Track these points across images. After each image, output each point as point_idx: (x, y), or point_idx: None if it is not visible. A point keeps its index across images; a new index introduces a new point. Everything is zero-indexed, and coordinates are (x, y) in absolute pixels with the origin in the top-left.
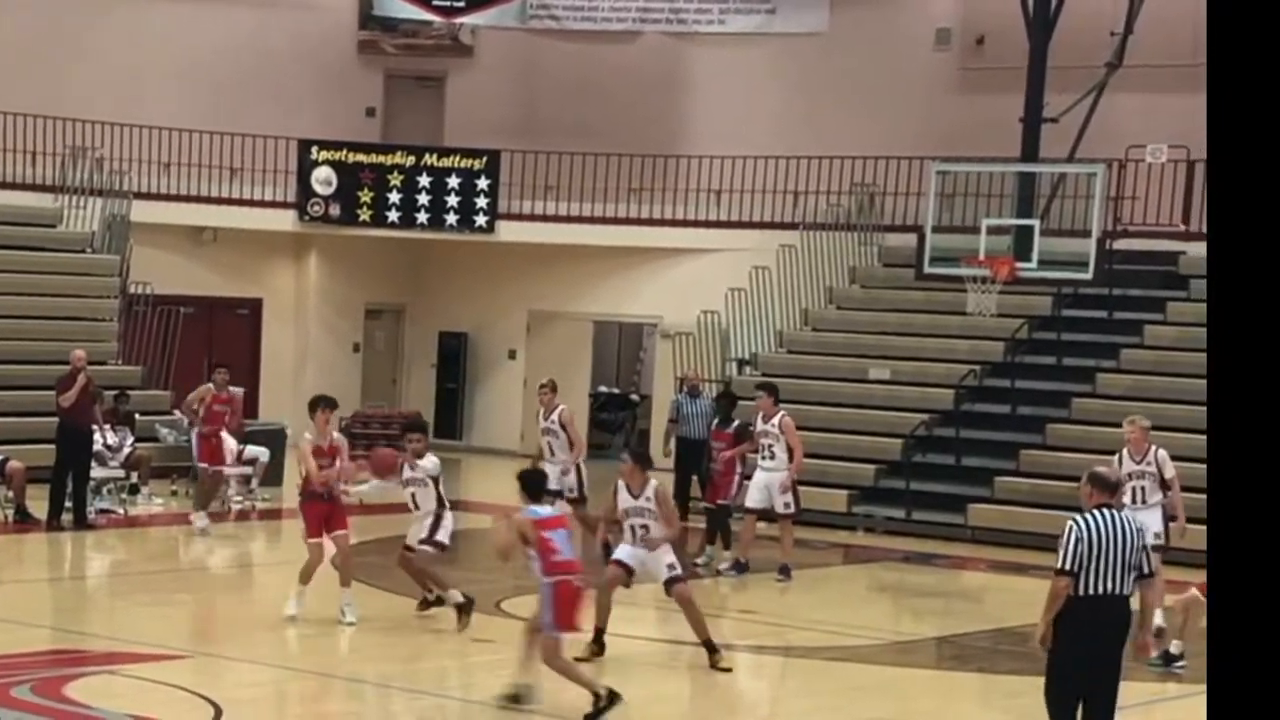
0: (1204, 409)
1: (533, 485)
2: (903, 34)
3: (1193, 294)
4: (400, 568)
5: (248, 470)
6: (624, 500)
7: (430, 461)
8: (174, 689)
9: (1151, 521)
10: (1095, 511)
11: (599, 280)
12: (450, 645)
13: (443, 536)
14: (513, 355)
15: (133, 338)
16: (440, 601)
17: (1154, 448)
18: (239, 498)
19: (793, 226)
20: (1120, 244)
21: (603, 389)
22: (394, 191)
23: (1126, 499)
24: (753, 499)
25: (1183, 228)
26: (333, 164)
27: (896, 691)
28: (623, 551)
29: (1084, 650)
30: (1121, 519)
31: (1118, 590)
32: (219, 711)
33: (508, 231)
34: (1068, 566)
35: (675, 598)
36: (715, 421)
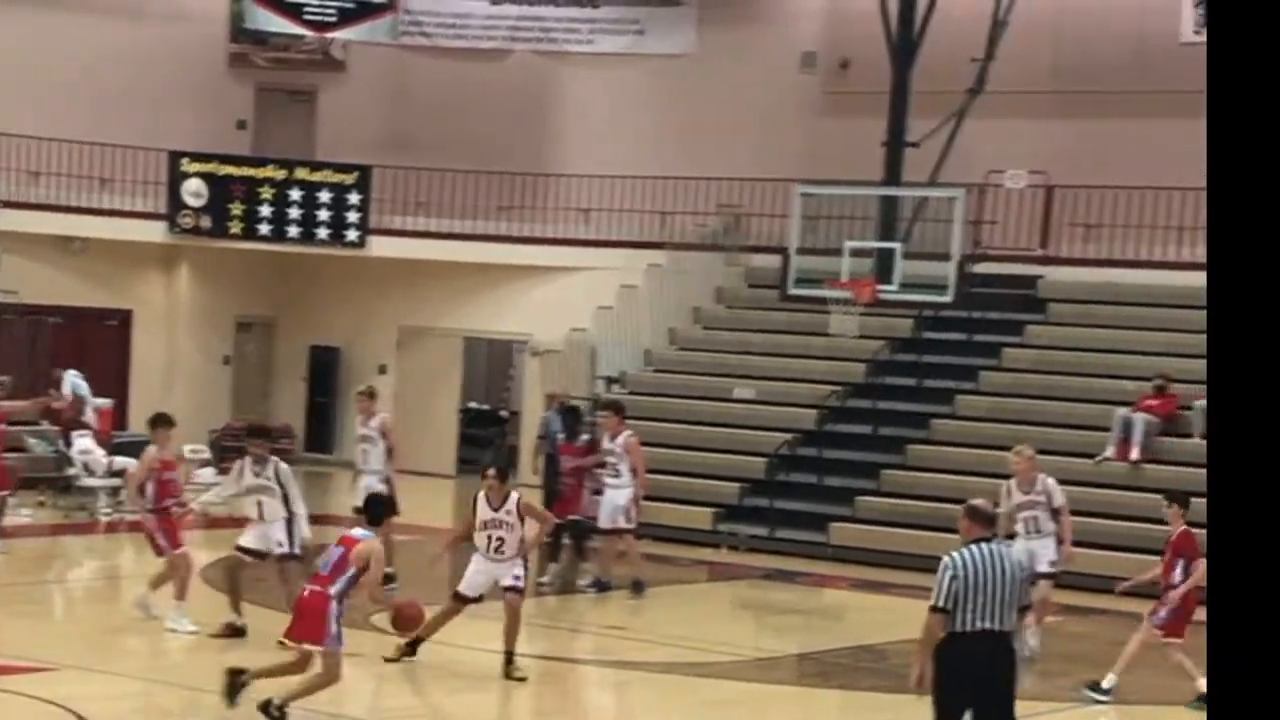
0: (1061, 430)
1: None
2: (769, 57)
3: (1050, 317)
4: (225, 570)
5: (117, 482)
6: (483, 512)
7: (283, 468)
8: (40, 701)
9: (1045, 551)
10: (973, 546)
11: (469, 297)
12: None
13: (298, 545)
14: (383, 370)
15: (0, 346)
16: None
17: (1041, 476)
18: (108, 509)
19: (660, 246)
20: (980, 267)
21: (472, 405)
22: (265, 205)
23: (1019, 529)
24: (604, 519)
25: (1041, 252)
26: (203, 176)
27: (756, 707)
28: (467, 582)
29: (967, 689)
30: (1000, 553)
31: (997, 626)
32: None
33: (379, 247)
34: (941, 603)
35: (506, 605)
36: (562, 436)
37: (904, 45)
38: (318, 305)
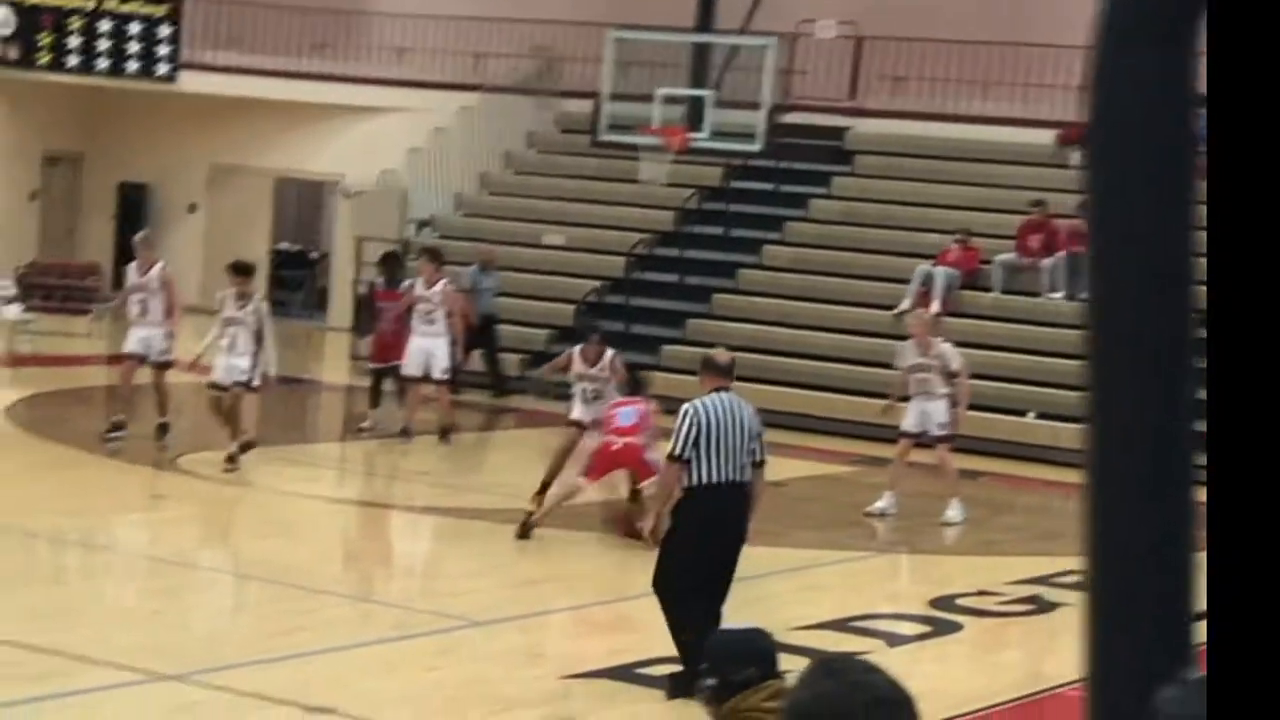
0: (864, 283)
1: None
2: None
3: (856, 169)
4: (212, 411)
5: None
6: (578, 367)
7: (263, 306)
8: None
9: (937, 411)
10: (712, 395)
11: (281, 135)
12: (125, 500)
13: (258, 378)
14: (193, 209)
15: None
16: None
17: (937, 341)
18: None
19: (473, 88)
20: (789, 118)
21: (283, 246)
22: (74, 35)
23: (911, 389)
24: (414, 366)
25: (850, 103)
26: (11, 4)
27: (559, 553)
28: None
29: (706, 539)
30: (737, 404)
31: (735, 477)
32: None
33: (190, 82)
34: (679, 452)
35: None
36: (381, 282)
37: None
38: (127, 141)
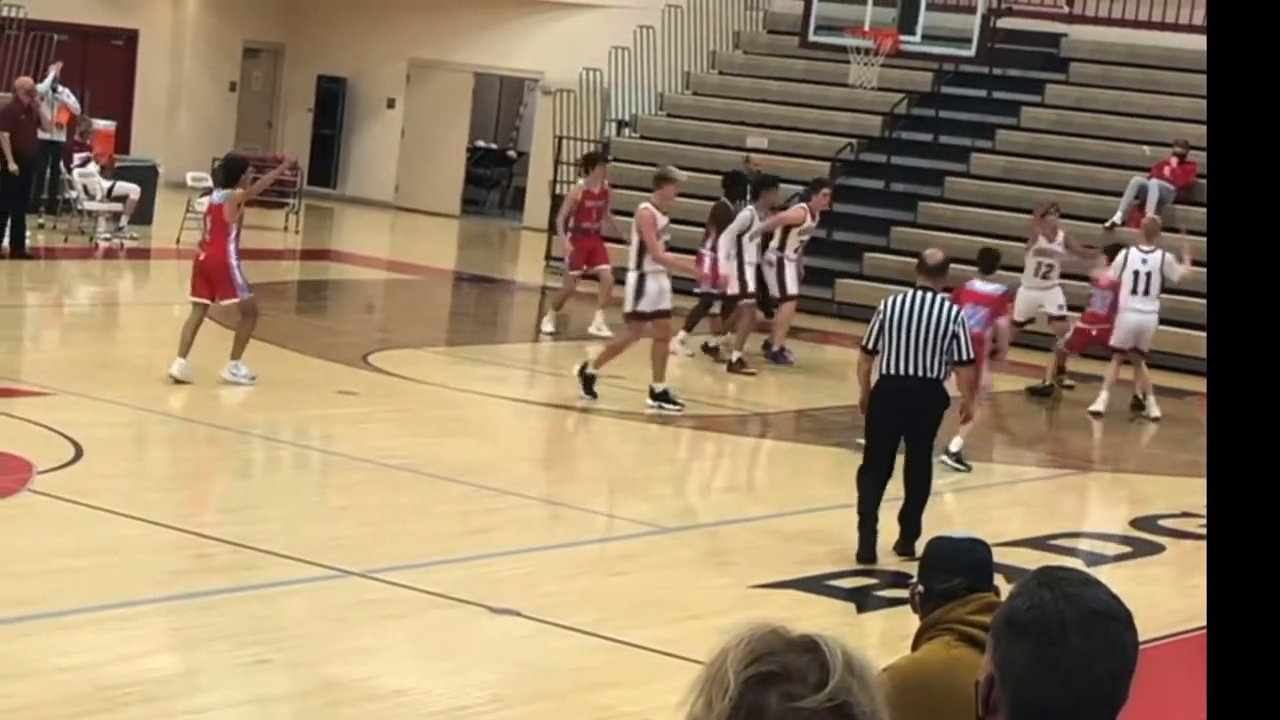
0: (1076, 194)
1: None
2: None
3: (1072, 77)
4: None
5: (117, 207)
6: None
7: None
8: (33, 425)
9: (1055, 296)
10: (908, 293)
11: (482, 31)
12: (314, 395)
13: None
14: (391, 104)
15: (4, 63)
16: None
17: (1063, 234)
18: (107, 234)
19: None
20: (1004, 22)
21: (480, 144)
22: None
23: (1030, 270)
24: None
25: (1066, 10)
26: None
27: (751, 460)
28: None
29: (876, 425)
30: (931, 302)
31: (914, 371)
32: (79, 451)
33: None
34: (865, 343)
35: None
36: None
37: None
38: (327, 33)
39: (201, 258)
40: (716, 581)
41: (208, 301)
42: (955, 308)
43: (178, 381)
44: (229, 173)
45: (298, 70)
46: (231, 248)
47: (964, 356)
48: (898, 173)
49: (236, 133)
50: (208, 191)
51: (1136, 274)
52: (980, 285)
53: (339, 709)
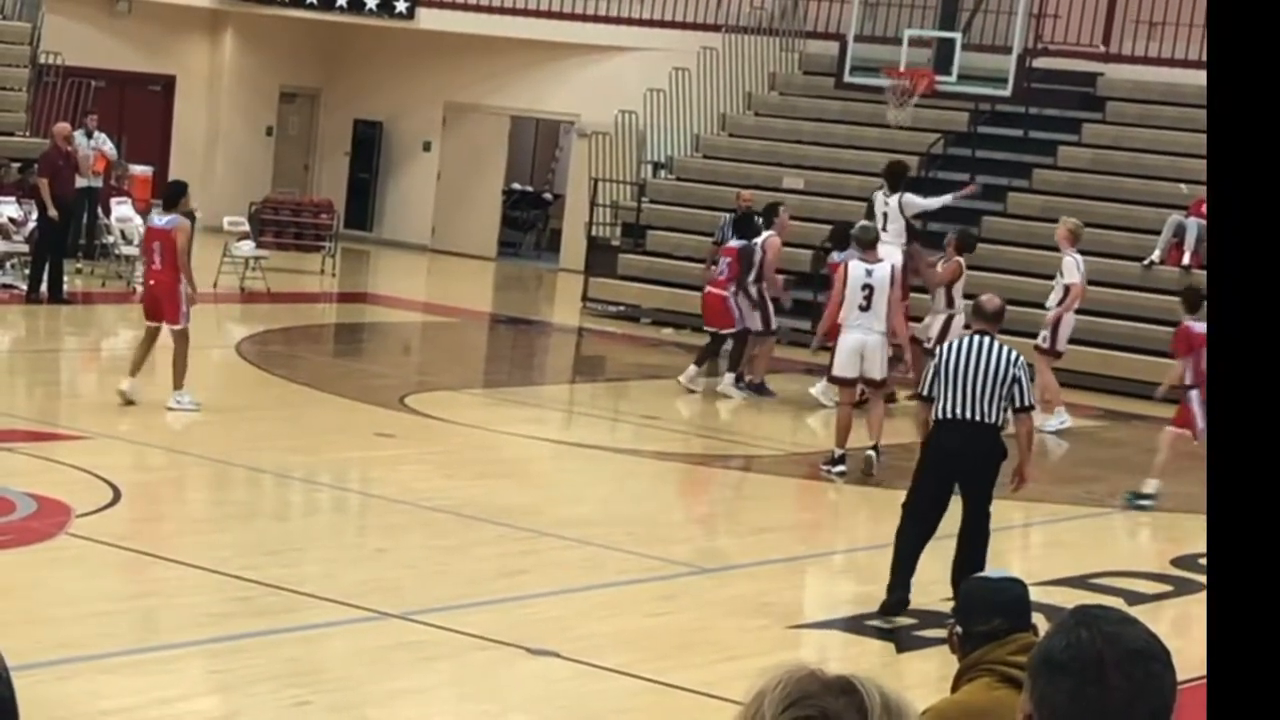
0: (1114, 233)
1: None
2: None
3: (1108, 116)
4: None
5: None
6: None
7: None
8: (72, 468)
9: None
10: (964, 338)
11: (518, 74)
12: (352, 438)
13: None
14: (427, 147)
15: (42, 109)
16: None
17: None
18: (142, 278)
19: (715, 28)
20: (1039, 62)
21: (516, 186)
22: None
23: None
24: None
25: (1103, 49)
26: None
27: (791, 501)
28: None
29: (927, 471)
30: (988, 347)
31: (969, 415)
32: (118, 494)
33: (428, 19)
34: (921, 391)
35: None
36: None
37: None
38: (364, 78)
39: (152, 283)
40: (756, 622)
41: (159, 325)
42: (1016, 353)
43: (128, 401)
44: (172, 196)
45: (334, 114)
46: (183, 275)
47: (1025, 403)
48: (935, 212)
49: (273, 177)
50: (243, 237)
51: None
52: (1194, 324)
53: None
